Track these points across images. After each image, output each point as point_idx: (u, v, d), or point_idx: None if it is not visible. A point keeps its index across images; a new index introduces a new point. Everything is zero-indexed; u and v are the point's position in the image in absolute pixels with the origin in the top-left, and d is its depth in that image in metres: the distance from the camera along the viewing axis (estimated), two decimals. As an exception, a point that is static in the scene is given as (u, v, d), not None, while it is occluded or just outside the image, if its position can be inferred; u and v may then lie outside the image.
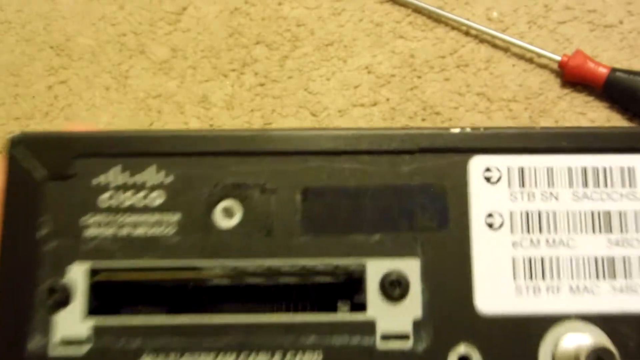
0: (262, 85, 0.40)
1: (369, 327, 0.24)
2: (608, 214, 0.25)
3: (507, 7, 0.42)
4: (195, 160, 0.25)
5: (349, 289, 0.25)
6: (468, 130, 0.26)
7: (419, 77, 0.40)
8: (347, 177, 0.25)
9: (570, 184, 0.26)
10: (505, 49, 0.41)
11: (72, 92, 0.40)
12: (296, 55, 0.41)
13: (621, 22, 0.42)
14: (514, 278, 0.25)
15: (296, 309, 0.26)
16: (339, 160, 0.25)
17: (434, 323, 0.25)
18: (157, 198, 0.25)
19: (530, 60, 0.41)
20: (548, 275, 0.25)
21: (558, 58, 0.40)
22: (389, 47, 0.41)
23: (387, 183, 0.25)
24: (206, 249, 0.24)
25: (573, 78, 0.39)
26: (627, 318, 0.25)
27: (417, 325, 0.24)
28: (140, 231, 0.24)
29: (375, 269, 0.25)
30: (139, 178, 0.25)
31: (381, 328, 0.24)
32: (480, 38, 0.41)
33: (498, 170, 0.26)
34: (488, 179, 0.26)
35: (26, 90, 0.40)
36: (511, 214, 0.25)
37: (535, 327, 0.25)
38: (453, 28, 0.42)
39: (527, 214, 0.25)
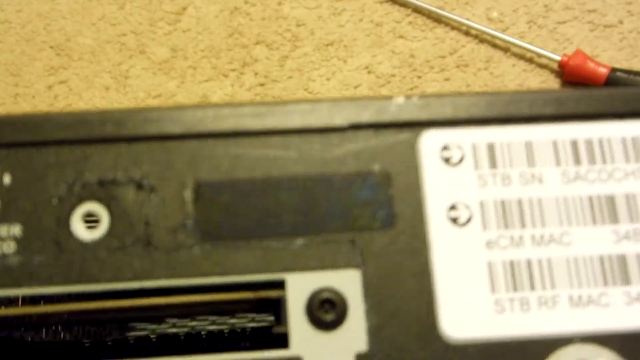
0: (262, 85, 0.44)
1: (293, 368, 0.21)
2: (611, 199, 0.22)
3: (507, 7, 0.46)
4: (40, 151, 0.21)
5: (264, 315, 0.22)
6: (415, 98, 0.23)
7: (419, 77, 0.44)
8: (253, 165, 0.22)
9: (558, 162, 0.23)
10: (505, 49, 0.45)
11: (72, 92, 0.44)
12: (296, 55, 0.45)
13: (621, 22, 0.46)
14: (492, 290, 0.21)
15: (190, 348, 0.22)
16: (242, 143, 0.22)
17: (384, 357, 0.21)
18: (-11, 204, 0.21)
19: (530, 60, 0.45)
20: (538, 284, 0.21)
21: (558, 58, 0.44)
22: (389, 47, 0.45)
23: (309, 171, 0.22)
24: (59, 272, 0.21)
25: (573, 78, 0.43)
26: (652, 335, 0.21)
27: (361, 361, 0.21)
28: (-35, 252, 0.21)
29: (299, 286, 0.21)
30: (-39, 176, 0.21)
31: (311, 369, 0.21)
32: (480, 38, 0.46)
33: (459, 147, 0.23)
34: (447, 160, 0.22)
35: (26, 90, 0.44)
36: (482, 205, 0.22)
37: (527, 355, 0.21)
38: (453, 28, 0.46)
39: (503, 204, 0.22)
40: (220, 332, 0.25)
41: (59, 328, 0.26)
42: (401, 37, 0.45)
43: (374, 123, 0.22)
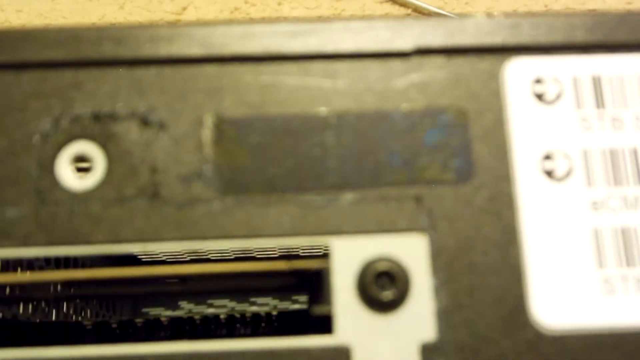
0: (262, 85, 0.44)
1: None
2: None
3: (507, 7, 0.46)
4: (18, 75, 0.17)
5: (302, 292, 0.17)
6: (500, 17, 0.18)
7: (420, 76, 0.43)
8: (291, 98, 0.17)
9: (684, 102, 0.18)
10: (505, 48, 0.45)
11: (72, 92, 0.44)
12: (296, 55, 0.45)
13: None
14: (599, 264, 0.17)
15: (207, 334, 0.17)
16: (277, 69, 0.17)
17: (456, 349, 0.16)
18: (-47, 141, 0.17)
19: (530, 60, 0.46)
20: (659, 258, 0.17)
21: (558, 57, 0.43)
22: (390, 47, 0.45)
23: (362, 107, 0.17)
24: (40, 230, 0.16)
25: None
26: None
27: (427, 353, 0.16)
28: None
29: (348, 255, 0.16)
30: None
31: (362, 362, 0.16)
32: (481, 38, 0.45)
33: (556, 81, 0.18)
34: (540, 97, 0.18)
35: (26, 90, 0.45)
36: (585, 154, 0.17)
37: (645, 350, 0.16)
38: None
39: (613, 153, 0.17)
40: (242, 316, 0.20)
41: (50, 305, 0.22)
42: (401, 36, 0.46)
43: (447, 47, 0.18)
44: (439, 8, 0.44)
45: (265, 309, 0.26)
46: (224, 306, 0.29)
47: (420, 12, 0.45)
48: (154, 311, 0.29)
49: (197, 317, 0.20)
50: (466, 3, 0.45)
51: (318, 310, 0.16)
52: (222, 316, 0.20)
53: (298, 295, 0.24)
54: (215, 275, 0.18)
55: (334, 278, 0.16)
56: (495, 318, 0.16)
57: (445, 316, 0.16)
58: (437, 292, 0.16)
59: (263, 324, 0.21)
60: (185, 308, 0.30)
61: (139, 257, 0.23)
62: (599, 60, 0.18)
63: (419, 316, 0.16)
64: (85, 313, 0.27)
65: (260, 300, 0.27)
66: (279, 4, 0.45)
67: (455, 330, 0.16)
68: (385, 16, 0.46)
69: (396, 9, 0.45)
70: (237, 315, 0.21)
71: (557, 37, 0.18)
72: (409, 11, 0.45)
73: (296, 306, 0.25)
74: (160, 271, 0.17)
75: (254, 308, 0.28)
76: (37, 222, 0.16)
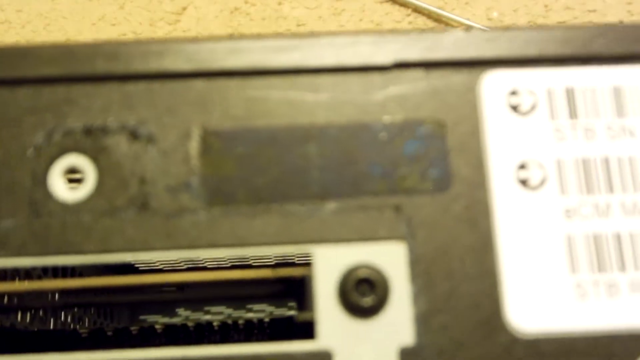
0: (262, 85, 0.45)
1: (321, 364, 0.17)
2: None
3: (507, 7, 0.47)
4: (13, 91, 0.17)
5: (286, 298, 0.18)
6: (477, 31, 0.19)
7: (419, 77, 0.44)
8: (275, 111, 0.18)
9: (655, 112, 0.18)
10: (505, 48, 0.46)
11: (72, 92, 0.45)
12: (296, 55, 0.46)
13: (621, 23, 0.46)
14: (572, 270, 0.17)
15: (200, 341, 0.18)
16: (262, 84, 0.18)
17: (435, 353, 0.17)
18: (-51, 155, 0.17)
19: (530, 60, 0.46)
20: (630, 264, 0.17)
21: (558, 58, 0.44)
22: (389, 47, 0.46)
23: (344, 119, 0.18)
24: (34, 240, 0.17)
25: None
26: None
27: (406, 357, 0.17)
28: None
29: (330, 262, 0.17)
30: None
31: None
32: (481, 38, 0.46)
33: (531, 92, 0.18)
34: (515, 108, 0.18)
35: (27, 91, 0.45)
36: (559, 164, 0.18)
37: (616, 353, 0.17)
38: (453, 28, 0.46)
39: (586, 163, 0.18)
40: (235, 323, 0.21)
41: (48, 314, 0.23)
42: (401, 37, 0.47)
43: (425, 61, 0.18)
44: (439, 8, 0.45)
45: (261, 315, 0.26)
46: (220, 313, 0.29)
47: (420, 12, 0.45)
48: (151, 318, 0.30)
49: (191, 324, 0.21)
50: (466, 3, 0.46)
51: (302, 316, 0.17)
52: (215, 324, 0.21)
53: (292, 302, 0.25)
54: (208, 282, 0.18)
55: (316, 285, 0.17)
56: (472, 323, 0.17)
57: (423, 321, 0.17)
58: (415, 298, 0.17)
59: (255, 331, 0.21)
60: (182, 315, 0.31)
61: (136, 265, 0.24)
62: (572, 72, 0.18)
63: (398, 321, 0.17)
64: (83, 321, 0.27)
65: (256, 307, 0.28)
66: (279, 3, 0.46)
67: (433, 335, 0.17)
68: (382, 19, 0.46)
69: (396, 9, 0.45)
70: (230, 322, 0.21)
71: (532, 50, 0.18)
72: (409, 11, 0.45)
73: (291, 313, 0.26)
74: (154, 279, 0.18)
75: (250, 315, 0.29)
76: (30, 232, 0.17)
